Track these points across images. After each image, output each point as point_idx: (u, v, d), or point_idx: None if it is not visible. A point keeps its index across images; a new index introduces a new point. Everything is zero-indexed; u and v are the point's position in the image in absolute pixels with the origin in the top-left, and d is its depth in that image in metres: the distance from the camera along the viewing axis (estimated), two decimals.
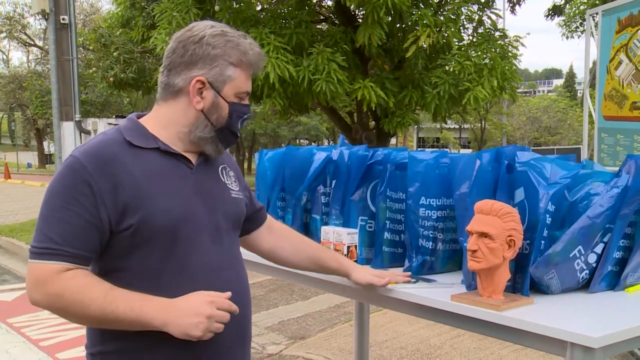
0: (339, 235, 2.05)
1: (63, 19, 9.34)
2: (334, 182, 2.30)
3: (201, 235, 1.44)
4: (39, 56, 33.79)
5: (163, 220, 1.38)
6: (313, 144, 32.37)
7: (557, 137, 30.34)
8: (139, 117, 1.52)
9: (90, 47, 18.96)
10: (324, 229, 2.11)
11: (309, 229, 2.38)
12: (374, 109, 8.64)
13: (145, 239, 1.37)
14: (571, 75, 64.43)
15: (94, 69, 19.15)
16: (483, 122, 27.38)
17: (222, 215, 1.51)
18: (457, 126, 35.90)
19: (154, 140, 1.45)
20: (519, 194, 1.75)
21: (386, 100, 8.25)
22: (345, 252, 2.02)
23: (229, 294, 1.37)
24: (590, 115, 6.49)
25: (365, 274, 1.81)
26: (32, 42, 34.83)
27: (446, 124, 10.78)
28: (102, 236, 1.37)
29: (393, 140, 38.94)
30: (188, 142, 1.48)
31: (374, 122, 10.05)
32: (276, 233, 1.82)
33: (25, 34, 34.79)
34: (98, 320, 1.34)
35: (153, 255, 1.38)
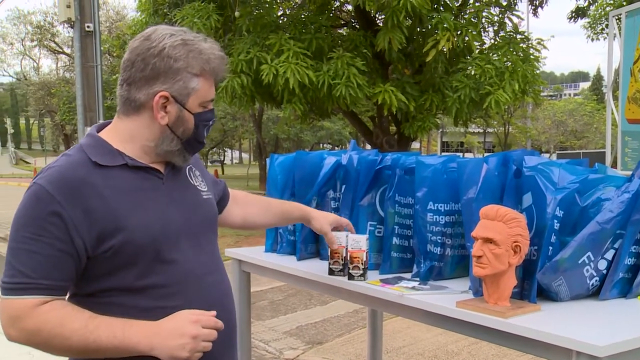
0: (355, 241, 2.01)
1: (88, 27, 9.47)
2: (343, 187, 2.29)
3: (182, 244, 1.42)
4: (67, 63, 34.41)
5: (143, 237, 1.35)
6: (336, 148, 32.35)
7: (584, 141, 29.85)
8: (99, 129, 1.47)
9: (115, 54, 19.26)
10: (335, 234, 2.07)
11: (318, 234, 2.37)
12: (394, 113, 8.60)
13: (127, 258, 1.34)
14: (598, 78, 63.38)
15: (118, 75, 19.45)
16: (507, 126, 27.09)
17: (199, 221, 1.50)
18: (481, 130, 35.57)
19: (120, 157, 1.40)
20: (527, 199, 1.73)
21: (407, 105, 8.20)
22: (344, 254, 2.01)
23: (214, 312, 1.36)
24: (615, 119, 6.38)
25: (323, 224, 1.95)
26: (61, 50, 35.49)
27: (467, 128, 10.66)
28: (78, 264, 1.33)
29: (417, 145, 38.69)
30: (154, 154, 1.44)
31: (395, 126, 10.01)
32: (241, 202, 1.88)
33: (54, 42, 35.49)
34: (81, 351, 1.30)
35: (137, 272, 1.36)
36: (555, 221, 1.67)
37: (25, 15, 36.48)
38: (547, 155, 28.91)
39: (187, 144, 1.45)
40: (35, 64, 46.76)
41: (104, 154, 1.39)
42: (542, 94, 9.83)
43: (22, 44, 40.66)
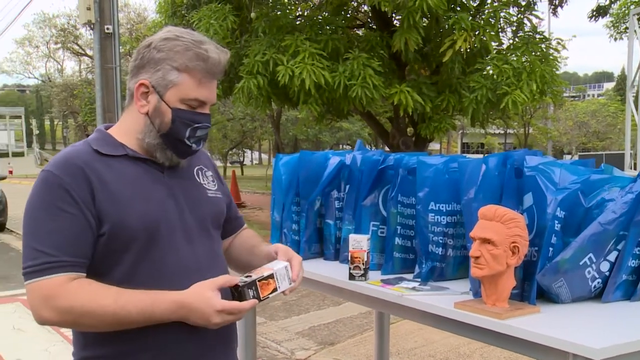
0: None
1: (107, 29, 9.60)
2: (347, 187, 2.29)
3: (176, 237, 1.43)
4: (90, 65, 34.88)
5: (137, 225, 1.37)
6: None
7: (607, 142, 29.43)
8: (107, 128, 1.51)
9: None
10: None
11: (322, 234, 2.37)
12: (410, 114, 8.56)
13: (120, 245, 1.37)
14: (623, 78, 62.18)
15: None
16: (527, 127, 26.80)
17: (199, 216, 1.50)
18: (501, 131, 35.26)
19: (122, 148, 1.45)
20: (528, 200, 1.71)
21: (423, 105, 8.16)
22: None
23: (236, 306, 1.35)
24: (635, 119, 6.28)
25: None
26: (83, 52, 35.99)
27: (484, 128, 10.56)
28: (94, 239, 1.36)
29: (437, 146, 38.44)
30: (147, 149, 1.46)
31: (412, 127, 9.97)
32: (237, 239, 1.74)
33: (77, 44, 36.00)
34: (113, 326, 1.33)
35: (128, 260, 1.38)
36: (556, 222, 1.64)
37: (50, 19, 37.05)
38: (569, 156, 28.53)
39: (167, 139, 1.44)
40: (59, 66, 47.45)
41: (106, 144, 1.44)
42: (564, 94, 9.71)
43: (47, 47, 41.32)
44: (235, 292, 1.37)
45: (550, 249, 1.64)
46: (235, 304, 1.34)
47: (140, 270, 1.39)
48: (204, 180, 1.57)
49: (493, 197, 1.73)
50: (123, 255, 1.38)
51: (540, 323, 1.50)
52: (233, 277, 1.39)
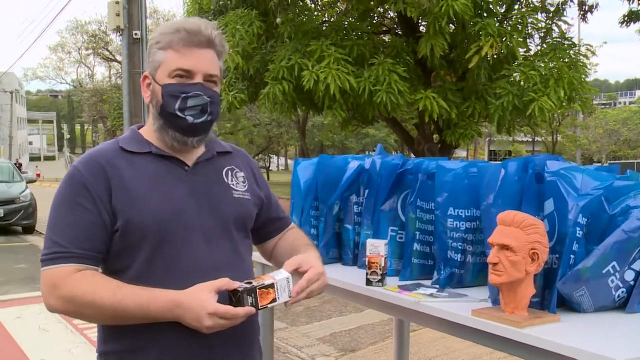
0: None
1: (136, 34, 9.71)
2: (366, 191, 2.27)
3: (193, 236, 1.43)
4: (119, 71, 35.49)
5: (149, 222, 1.38)
6: None
7: (639, 151, 28.82)
8: (139, 128, 1.56)
9: None
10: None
11: (341, 239, 2.35)
12: (436, 120, 8.50)
13: (133, 241, 1.39)
14: None
15: None
16: (555, 135, 26.38)
17: (220, 216, 1.49)
18: (529, 139, 34.79)
19: (147, 145, 1.48)
20: (549, 206, 1.67)
21: (448, 112, 8.10)
22: None
23: (229, 310, 1.32)
24: None
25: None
26: (113, 58, 36.63)
27: (511, 136, 10.44)
28: (110, 236, 1.39)
29: (464, 154, 38.12)
30: (162, 140, 1.48)
31: (437, 134, 9.90)
32: (281, 241, 1.72)
33: (108, 50, 36.67)
34: (113, 319, 1.36)
35: (143, 257, 1.39)
36: (578, 229, 1.60)
37: (83, 26, 37.81)
38: (599, 165, 28.03)
39: (164, 117, 1.45)
40: (90, 72, 48.36)
41: (134, 143, 1.49)
42: (594, 102, 9.56)
43: (79, 53, 42.16)
44: (233, 298, 1.34)
45: (572, 256, 1.60)
46: (228, 309, 1.31)
47: (154, 268, 1.39)
48: (232, 181, 1.56)
49: (513, 202, 1.69)
50: (137, 252, 1.40)
51: (560, 333, 1.46)
52: (233, 282, 1.36)
